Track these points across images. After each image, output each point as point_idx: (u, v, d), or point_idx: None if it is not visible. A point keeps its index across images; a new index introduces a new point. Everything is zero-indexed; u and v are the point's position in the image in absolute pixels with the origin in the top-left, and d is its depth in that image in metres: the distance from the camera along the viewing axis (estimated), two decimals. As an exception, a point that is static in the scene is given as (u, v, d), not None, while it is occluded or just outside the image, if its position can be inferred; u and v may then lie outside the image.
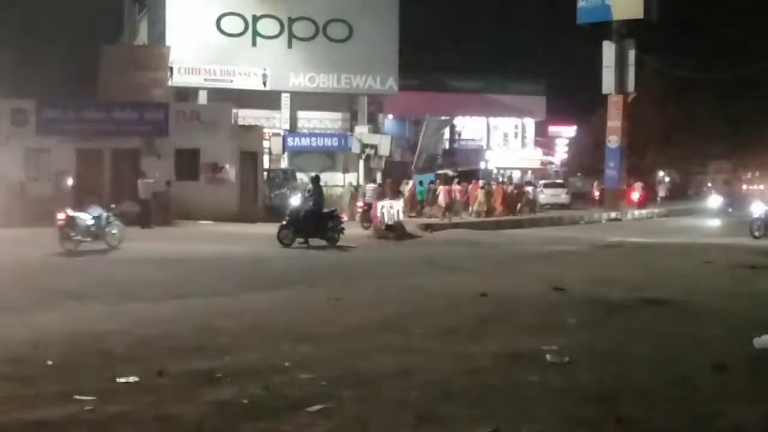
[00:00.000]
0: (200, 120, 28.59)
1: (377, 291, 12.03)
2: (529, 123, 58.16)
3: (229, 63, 36.34)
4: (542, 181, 43.21)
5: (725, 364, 7.15)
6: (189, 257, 16.50)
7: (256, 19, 37.26)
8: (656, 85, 46.56)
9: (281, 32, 37.64)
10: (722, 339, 8.40)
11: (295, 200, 21.02)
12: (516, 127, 58.04)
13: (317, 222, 19.75)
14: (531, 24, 63.03)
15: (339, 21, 38.08)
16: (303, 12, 37.85)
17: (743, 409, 5.88)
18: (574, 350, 7.69)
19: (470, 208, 31.95)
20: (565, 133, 63.32)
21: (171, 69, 34.47)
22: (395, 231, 22.65)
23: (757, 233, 22.53)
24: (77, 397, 6.01)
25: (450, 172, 38.51)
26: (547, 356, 7.45)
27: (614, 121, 37.81)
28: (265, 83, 36.99)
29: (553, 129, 61.91)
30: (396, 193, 28.49)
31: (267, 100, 37.14)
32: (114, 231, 17.88)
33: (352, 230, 22.43)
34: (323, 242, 19.50)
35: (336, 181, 34.21)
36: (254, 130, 31.48)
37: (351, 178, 34.38)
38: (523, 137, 58.28)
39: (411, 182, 32.42)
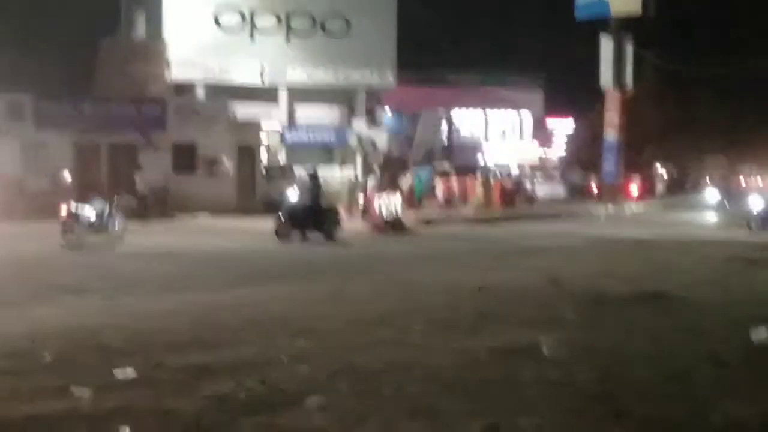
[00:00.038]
0: (198, 114, 28.57)
1: (375, 285, 12.03)
2: (527, 117, 58.11)
3: (226, 58, 36.26)
4: (540, 175, 43.24)
5: (723, 358, 7.16)
6: (187, 251, 16.52)
7: (253, 13, 37.18)
8: (654, 80, 46.52)
9: (279, 27, 37.55)
10: (720, 333, 8.40)
11: (292, 195, 21.02)
12: (513, 121, 57.97)
13: (315, 216, 19.74)
14: (529, 19, 63.12)
15: (337, 15, 38.03)
16: (301, 7, 37.79)
17: (741, 403, 5.88)
18: (572, 344, 7.69)
19: (468, 203, 31.95)
20: (562, 127, 63.28)
21: (168, 64, 34.43)
22: (393, 225, 22.65)
23: (754, 227, 22.53)
24: (75, 390, 6.01)
25: (447, 166, 38.53)
26: (545, 350, 7.45)
27: (612, 116, 37.78)
28: (262, 78, 36.94)
29: (550, 123, 61.85)
30: (394, 187, 28.47)
31: (264, 94, 37.07)
32: (116, 225, 17.99)
33: (351, 225, 22.44)
34: (321, 237, 19.50)
35: (334, 176, 34.18)
36: (252, 125, 31.48)
37: (348, 172, 34.33)
38: (521, 131, 58.21)
39: (409, 176, 32.41)
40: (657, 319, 9.27)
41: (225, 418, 5.48)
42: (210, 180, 28.01)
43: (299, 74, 37.64)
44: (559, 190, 40.36)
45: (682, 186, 51.16)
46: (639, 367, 6.97)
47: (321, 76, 37.90)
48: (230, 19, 36.85)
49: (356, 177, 32.28)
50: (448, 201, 31.64)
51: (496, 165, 49.46)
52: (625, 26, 37.03)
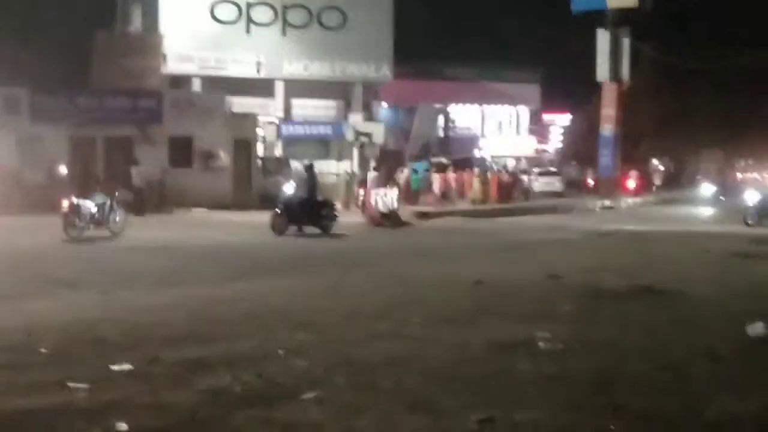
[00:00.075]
0: (194, 107, 28.53)
1: (373, 279, 12.03)
2: (524, 111, 58.14)
3: (222, 51, 36.16)
4: (536, 169, 43.28)
5: (719, 352, 7.18)
6: (183, 245, 16.51)
7: (249, 6, 37.08)
8: (651, 73, 46.51)
9: (275, 20, 37.45)
10: (716, 327, 8.42)
11: (288, 188, 21.00)
12: (510, 115, 58.02)
13: (311, 210, 19.75)
14: (526, 12, 62.99)
15: (333, 8, 37.93)
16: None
17: (737, 397, 5.89)
18: (569, 338, 7.71)
19: (465, 196, 31.97)
20: (559, 121, 63.38)
21: (164, 57, 34.36)
22: (390, 219, 22.66)
23: (750, 221, 22.57)
24: (71, 384, 6.00)
25: (444, 160, 38.53)
26: (541, 344, 7.46)
27: (608, 109, 37.79)
28: (259, 71, 36.85)
29: (547, 117, 61.92)
30: (391, 181, 28.47)
31: (261, 87, 36.99)
32: (117, 218, 18.05)
33: (348, 218, 22.45)
34: (317, 230, 19.49)
35: (330, 169, 34.16)
36: (248, 118, 31.42)
37: (345, 166, 34.32)
38: (518, 125, 58.27)
39: (406, 170, 32.41)
40: (653, 312, 9.28)
41: (221, 411, 5.48)
42: (206, 173, 27.98)
43: (296, 67, 37.57)
44: (556, 184, 40.38)
45: (678, 180, 51.23)
46: (635, 361, 6.98)
47: (317, 69, 37.83)
48: (226, 11, 36.75)
49: (353, 170, 32.25)
50: (445, 195, 31.64)
51: (492, 159, 49.54)
52: (621, 19, 37.04)
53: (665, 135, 52.84)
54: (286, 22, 37.58)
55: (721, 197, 35.08)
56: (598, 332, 8.14)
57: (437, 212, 27.30)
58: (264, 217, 20.33)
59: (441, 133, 55.01)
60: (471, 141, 54.95)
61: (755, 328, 7.92)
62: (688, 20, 54.76)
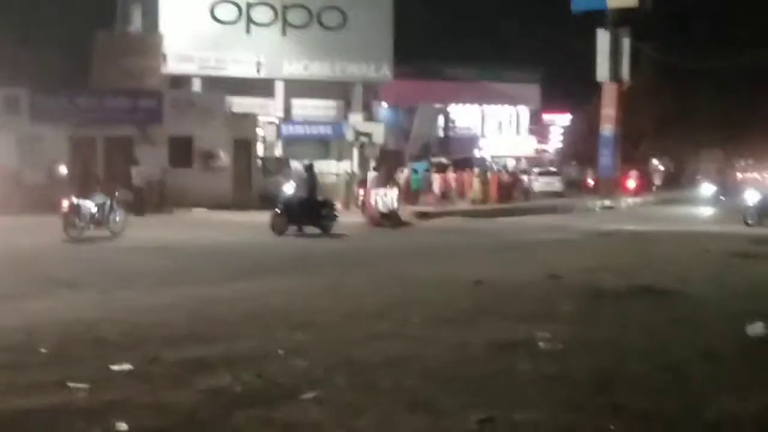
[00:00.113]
0: (194, 107, 28.53)
1: (373, 278, 12.03)
2: (524, 111, 58.13)
3: (222, 50, 36.16)
4: (536, 169, 43.27)
5: (719, 352, 7.18)
6: (183, 245, 16.51)
7: (249, 6, 37.07)
8: (651, 73, 46.51)
9: (275, 20, 37.44)
10: (716, 327, 8.42)
11: (288, 188, 21.00)
12: (510, 115, 58.01)
13: (311, 210, 19.75)
14: (526, 12, 62.97)
15: (333, 8, 37.92)
16: (297, -1, 37.74)
17: (737, 397, 5.89)
18: (569, 338, 7.71)
19: (465, 196, 31.98)
20: (559, 121, 63.36)
21: (164, 56, 34.35)
22: (390, 219, 22.65)
23: (750, 221, 22.58)
24: (71, 384, 6.00)
25: (444, 160, 38.52)
26: (541, 344, 7.46)
27: (608, 109, 37.79)
28: (259, 71, 36.85)
29: (547, 117, 61.91)
30: (391, 181, 28.47)
31: (261, 87, 37.00)
32: (117, 218, 18.07)
33: (348, 218, 22.44)
34: (317, 230, 19.49)
35: (330, 169, 34.16)
36: (248, 118, 31.42)
37: (345, 166, 34.32)
38: (518, 125, 58.26)
39: (406, 170, 32.41)
40: (653, 312, 9.28)
41: (221, 411, 5.48)
42: (206, 173, 27.97)
43: (295, 67, 37.56)
44: (555, 184, 40.39)
45: (678, 180, 51.24)
46: (635, 361, 6.98)
47: (317, 69, 37.82)
48: (226, 11, 36.74)
49: (353, 170, 32.25)
50: (445, 195, 31.64)
51: (492, 159, 49.54)
52: (621, 19, 37.03)
53: (665, 135, 52.82)
54: (286, 22, 37.58)
55: (721, 197, 35.11)
56: (598, 332, 8.14)
57: (437, 212, 27.29)
58: (264, 217, 20.32)
59: (441, 133, 54.99)
60: (471, 141, 54.94)
61: (755, 328, 7.92)
62: (688, 20, 54.82)
